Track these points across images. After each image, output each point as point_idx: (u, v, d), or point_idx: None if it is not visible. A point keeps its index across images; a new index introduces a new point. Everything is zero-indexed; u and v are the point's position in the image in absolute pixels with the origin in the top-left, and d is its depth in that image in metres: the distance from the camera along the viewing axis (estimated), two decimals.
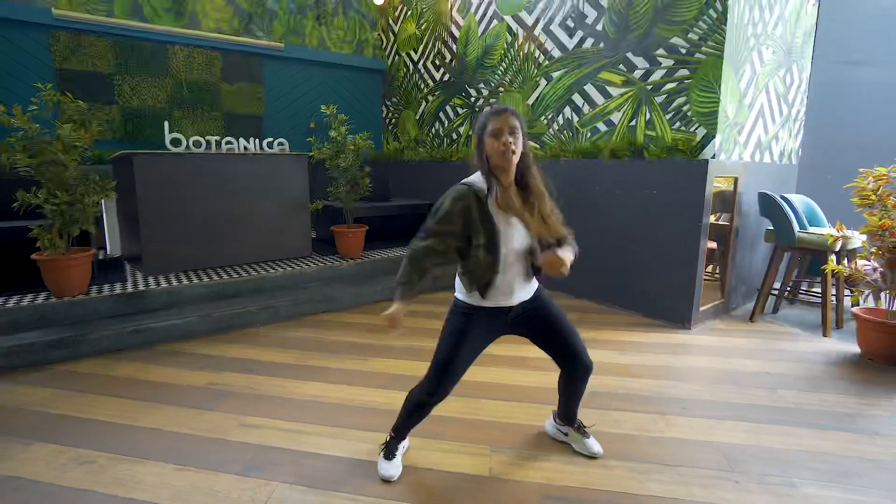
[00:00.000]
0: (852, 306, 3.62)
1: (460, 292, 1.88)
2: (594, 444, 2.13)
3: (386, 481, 1.93)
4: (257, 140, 4.58)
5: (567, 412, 2.15)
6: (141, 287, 3.65)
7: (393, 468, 1.95)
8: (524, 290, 1.88)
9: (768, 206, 3.92)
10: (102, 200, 4.50)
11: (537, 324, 1.95)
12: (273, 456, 2.10)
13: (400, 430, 1.99)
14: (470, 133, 5.96)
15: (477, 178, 1.75)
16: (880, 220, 2.99)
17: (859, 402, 2.60)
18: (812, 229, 3.91)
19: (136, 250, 4.17)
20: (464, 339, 1.82)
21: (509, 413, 2.48)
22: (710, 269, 4.18)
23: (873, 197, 3.04)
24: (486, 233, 1.71)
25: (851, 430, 2.32)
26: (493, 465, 2.05)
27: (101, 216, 4.73)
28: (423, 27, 6.66)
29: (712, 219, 3.93)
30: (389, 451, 1.99)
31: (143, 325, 3.35)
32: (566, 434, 2.19)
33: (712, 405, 2.58)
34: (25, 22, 5.19)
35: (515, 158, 1.70)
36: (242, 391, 2.70)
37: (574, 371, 2.00)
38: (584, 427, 2.17)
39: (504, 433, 2.29)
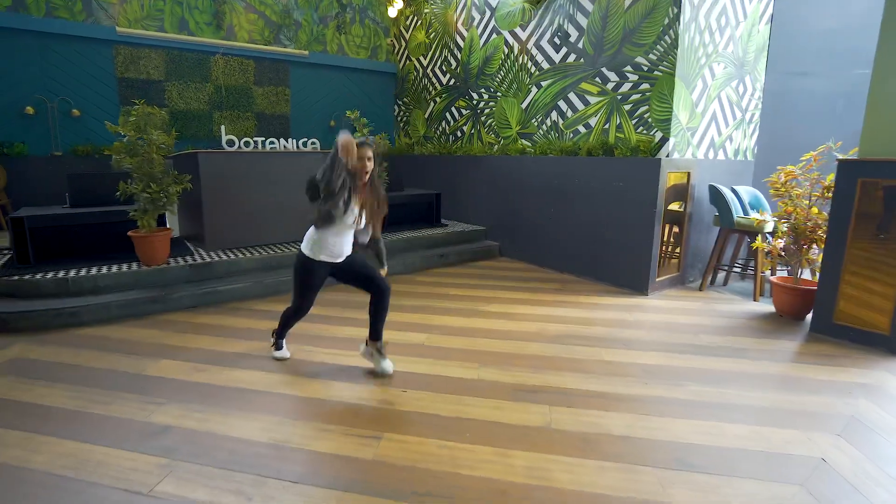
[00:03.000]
0: (771, 275, 4.48)
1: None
2: (388, 365, 2.96)
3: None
4: (294, 140, 5.46)
5: (374, 330, 2.98)
6: (207, 259, 4.59)
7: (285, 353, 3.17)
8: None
9: (714, 195, 4.78)
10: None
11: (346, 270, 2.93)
12: (328, 368, 3.04)
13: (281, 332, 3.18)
14: (472, 132, 6.83)
15: None
16: (786, 206, 3.86)
17: (754, 341, 3.50)
18: (752, 215, 4.76)
19: (196, 231, 5.10)
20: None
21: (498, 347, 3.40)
22: (673, 248, 5.04)
23: (782, 189, 3.90)
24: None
25: (738, 357, 3.22)
26: (481, 375, 2.97)
27: None
28: (431, 36, 7.52)
29: (676, 206, 4.80)
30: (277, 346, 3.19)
31: (212, 288, 4.29)
32: (371, 355, 3.01)
33: (646, 343, 3.47)
34: (94, 38, 6.11)
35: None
36: (296, 332, 3.62)
37: (376, 292, 2.92)
38: (383, 348, 2.99)
39: (491, 356, 3.22)
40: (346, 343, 3.43)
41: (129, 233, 4.20)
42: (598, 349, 3.36)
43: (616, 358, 3.22)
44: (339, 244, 2.82)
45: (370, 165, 2.72)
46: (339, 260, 2.88)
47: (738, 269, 5.09)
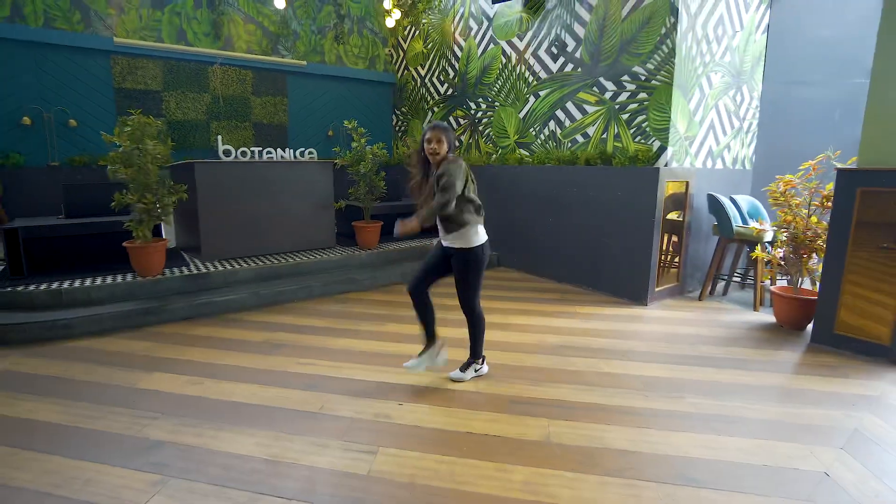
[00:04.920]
0: (771, 285, 4.46)
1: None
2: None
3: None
4: (291, 150, 5.45)
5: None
6: (203, 270, 4.55)
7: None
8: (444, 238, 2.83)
9: (713, 205, 4.76)
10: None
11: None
12: (323, 380, 2.99)
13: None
14: (471, 141, 6.83)
15: None
16: (785, 216, 3.84)
17: (755, 352, 3.46)
18: (752, 224, 4.75)
19: (193, 241, 5.07)
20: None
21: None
22: (672, 258, 5.02)
23: (781, 198, 3.88)
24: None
25: (739, 368, 3.19)
26: (479, 385, 2.93)
27: None
28: (429, 46, 7.54)
29: (675, 215, 4.79)
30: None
31: (208, 299, 4.25)
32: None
33: (646, 354, 3.44)
34: (92, 49, 6.11)
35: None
36: (293, 344, 3.59)
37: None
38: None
39: (492, 368, 3.17)
40: (343, 355, 3.39)
41: (125, 243, 4.17)
42: (598, 360, 3.32)
43: (616, 370, 3.18)
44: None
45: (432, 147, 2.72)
46: None
47: (738, 279, 5.07)
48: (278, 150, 5.33)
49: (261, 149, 5.22)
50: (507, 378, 3.04)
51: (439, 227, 2.81)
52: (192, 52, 6.74)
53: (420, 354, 3.00)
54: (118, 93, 6.35)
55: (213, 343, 3.61)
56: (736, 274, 5.15)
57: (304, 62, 7.67)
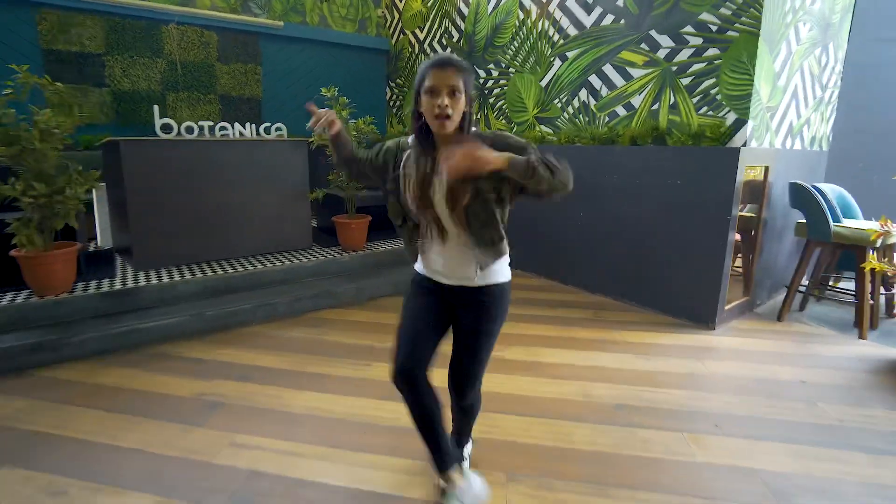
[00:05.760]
0: (887, 306, 3.36)
1: None
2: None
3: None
4: (255, 126, 4.29)
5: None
6: (130, 284, 3.44)
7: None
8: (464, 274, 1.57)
9: (801, 197, 3.64)
10: (94, 190, 4.28)
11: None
12: (263, 485, 1.89)
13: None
14: (478, 116, 5.66)
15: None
16: None
17: None
18: (846, 222, 3.63)
19: (126, 242, 3.94)
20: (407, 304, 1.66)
21: (527, 430, 2.26)
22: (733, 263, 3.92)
23: None
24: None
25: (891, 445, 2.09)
26: (509, 497, 1.83)
27: (92, 205, 4.50)
28: (429, 4, 6.32)
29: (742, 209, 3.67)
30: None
31: (132, 325, 3.14)
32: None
33: (747, 421, 2.35)
34: (11, 1, 4.91)
35: (451, 125, 1.41)
36: (234, 402, 2.50)
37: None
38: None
39: (522, 456, 2.07)
40: (304, 428, 2.30)
41: (12, 252, 3.04)
42: (678, 435, 2.23)
43: (709, 457, 2.08)
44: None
45: (454, 107, 1.41)
46: None
47: (835, 294, 3.96)
48: (237, 125, 4.16)
49: (212, 124, 4.05)
50: (551, 477, 1.95)
51: (441, 256, 1.57)
52: (142, 6, 5.52)
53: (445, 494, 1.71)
54: (47, 55, 5.15)
55: (120, 400, 2.51)
56: (832, 288, 4.05)
57: (282, 23, 6.45)
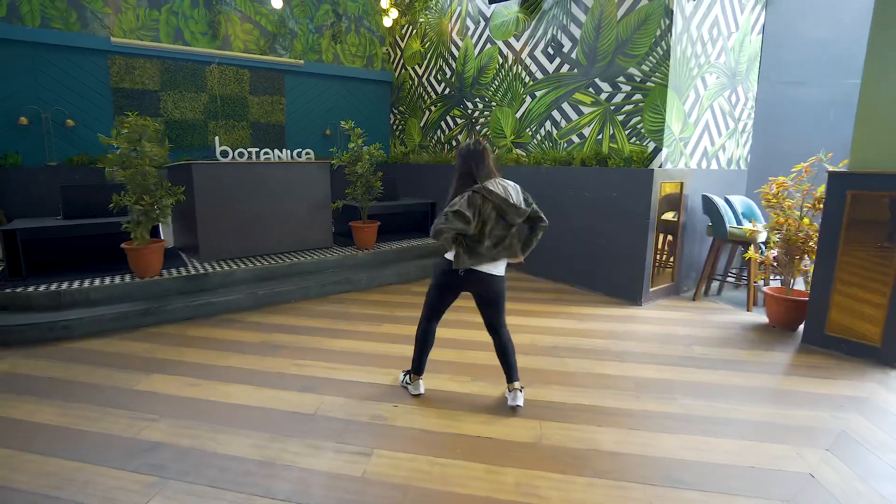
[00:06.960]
0: (765, 286, 4.49)
1: None
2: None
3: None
4: (289, 151, 5.47)
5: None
6: (201, 271, 4.58)
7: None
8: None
9: (707, 205, 4.79)
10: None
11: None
12: (319, 382, 3.02)
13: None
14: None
15: None
16: (778, 217, 3.87)
17: (747, 353, 3.50)
18: (745, 225, 4.78)
19: (191, 242, 5.10)
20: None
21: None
22: (667, 258, 5.05)
23: (774, 200, 3.92)
24: None
25: (730, 370, 3.23)
26: (479, 391, 2.96)
27: None
28: (426, 45, 7.54)
29: (670, 216, 4.82)
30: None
31: (206, 300, 4.28)
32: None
33: (640, 356, 3.47)
34: (89, 49, 6.12)
35: None
36: (289, 345, 3.63)
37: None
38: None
39: (486, 370, 3.21)
40: (339, 357, 3.43)
41: (123, 245, 4.20)
42: (591, 361, 3.36)
43: (608, 371, 3.22)
44: None
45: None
46: None
47: (733, 280, 5.10)
48: (275, 150, 5.34)
49: (258, 149, 5.23)
50: (501, 380, 3.08)
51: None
52: (189, 51, 6.75)
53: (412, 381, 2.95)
54: (115, 93, 6.36)
55: (211, 344, 3.64)
56: (730, 274, 5.19)
57: (302, 61, 7.68)
